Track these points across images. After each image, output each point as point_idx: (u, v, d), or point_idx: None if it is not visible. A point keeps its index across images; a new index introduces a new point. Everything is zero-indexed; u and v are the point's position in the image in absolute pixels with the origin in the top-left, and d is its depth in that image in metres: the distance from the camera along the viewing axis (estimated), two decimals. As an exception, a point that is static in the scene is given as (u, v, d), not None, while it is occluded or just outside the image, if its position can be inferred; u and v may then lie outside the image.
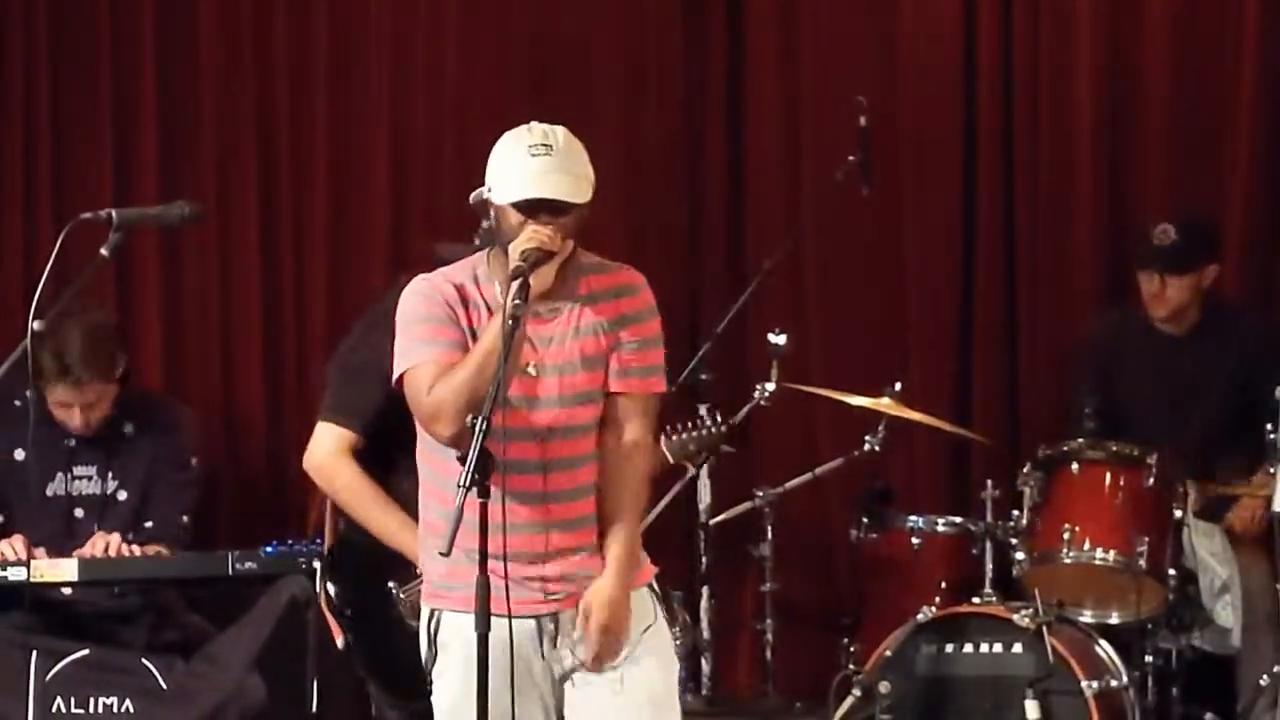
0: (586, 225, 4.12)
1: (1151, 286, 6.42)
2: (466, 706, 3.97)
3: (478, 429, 3.82)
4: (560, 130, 4.12)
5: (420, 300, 4.15)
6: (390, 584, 4.99)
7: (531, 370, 4.10)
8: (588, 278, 4.17)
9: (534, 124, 4.13)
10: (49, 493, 5.76)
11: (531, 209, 4.04)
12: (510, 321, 3.91)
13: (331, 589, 5.12)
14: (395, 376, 4.14)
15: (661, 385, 4.22)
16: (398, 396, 4.39)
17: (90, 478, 5.79)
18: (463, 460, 3.86)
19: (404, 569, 4.94)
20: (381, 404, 4.83)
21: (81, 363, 5.65)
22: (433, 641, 4.18)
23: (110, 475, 5.80)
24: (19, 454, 5.73)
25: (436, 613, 4.18)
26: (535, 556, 4.10)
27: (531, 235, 4.00)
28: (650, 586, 4.23)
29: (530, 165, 4.05)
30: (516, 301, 3.93)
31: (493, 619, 3.97)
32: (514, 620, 4.07)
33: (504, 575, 3.96)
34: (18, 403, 5.68)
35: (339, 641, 5.07)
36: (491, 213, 4.14)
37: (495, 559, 3.97)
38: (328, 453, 5.03)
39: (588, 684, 4.15)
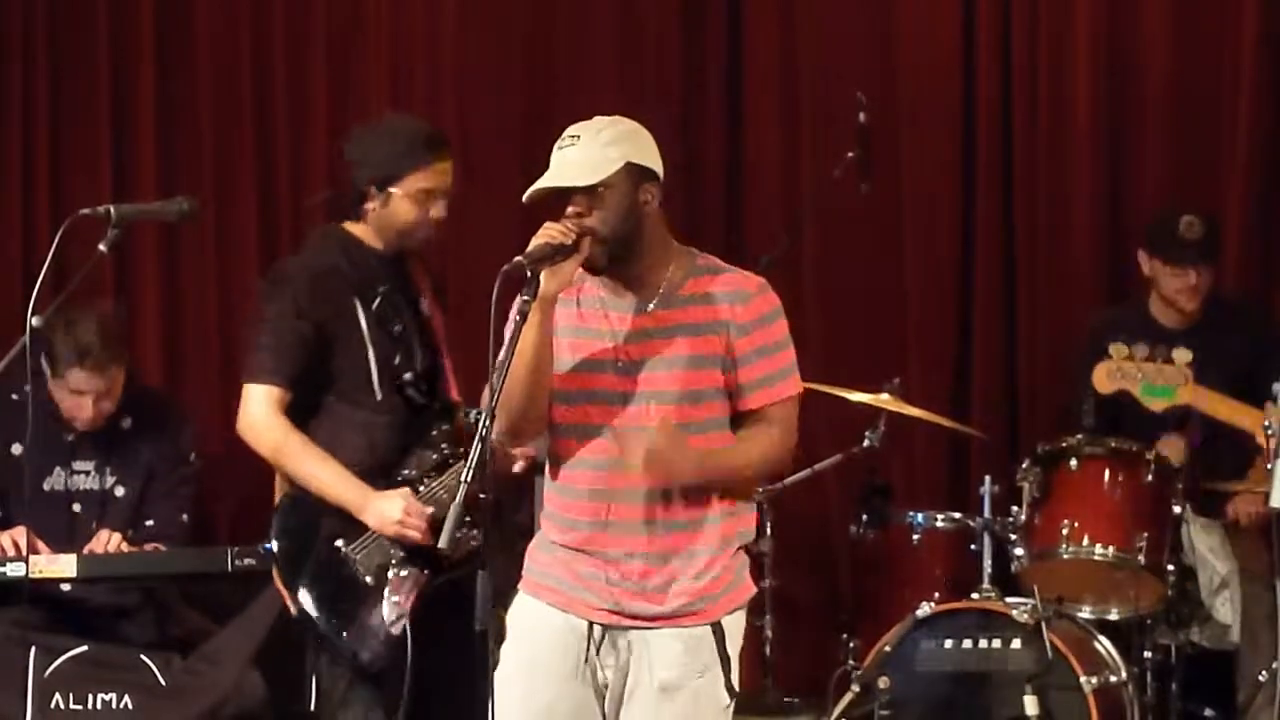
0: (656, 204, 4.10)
1: (1187, 280, 6.40)
2: (516, 680, 4.03)
3: (481, 424, 3.81)
4: (608, 118, 4.08)
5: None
6: (338, 543, 5.01)
7: (619, 365, 4.07)
8: (698, 278, 4.13)
9: (596, 117, 4.10)
10: (47, 488, 5.77)
11: (561, 201, 4.01)
12: (518, 318, 3.90)
13: (278, 549, 5.08)
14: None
15: (789, 389, 4.18)
16: (312, 340, 4.71)
17: (89, 473, 5.80)
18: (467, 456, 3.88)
19: (350, 527, 4.98)
20: (299, 354, 4.93)
21: (102, 346, 5.66)
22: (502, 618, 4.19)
23: (109, 471, 5.80)
24: (16, 449, 5.73)
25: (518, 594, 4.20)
26: (608, 555, 4.08)
27: (541, 232, 3.99)
28: (716, 625, 4.12)
29: (553, 160, 4.04)
30: (525, 298, 3.92)
31: (549, 609, 4.06)
32: (568, 617, 4.11)
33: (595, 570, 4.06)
34: (15, 397, 5.69)
35: (291, 609, 5.05)
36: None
37: (566, 550, 4.07)
38: (261, 413, 5.01)
39: (618, 702, 4.14)
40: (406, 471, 5.06)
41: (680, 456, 4.00)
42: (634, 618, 4.10)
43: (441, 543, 3.89)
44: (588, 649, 4.12)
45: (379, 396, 5.03)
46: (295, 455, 4.99)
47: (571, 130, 4.06)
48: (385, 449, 5.06)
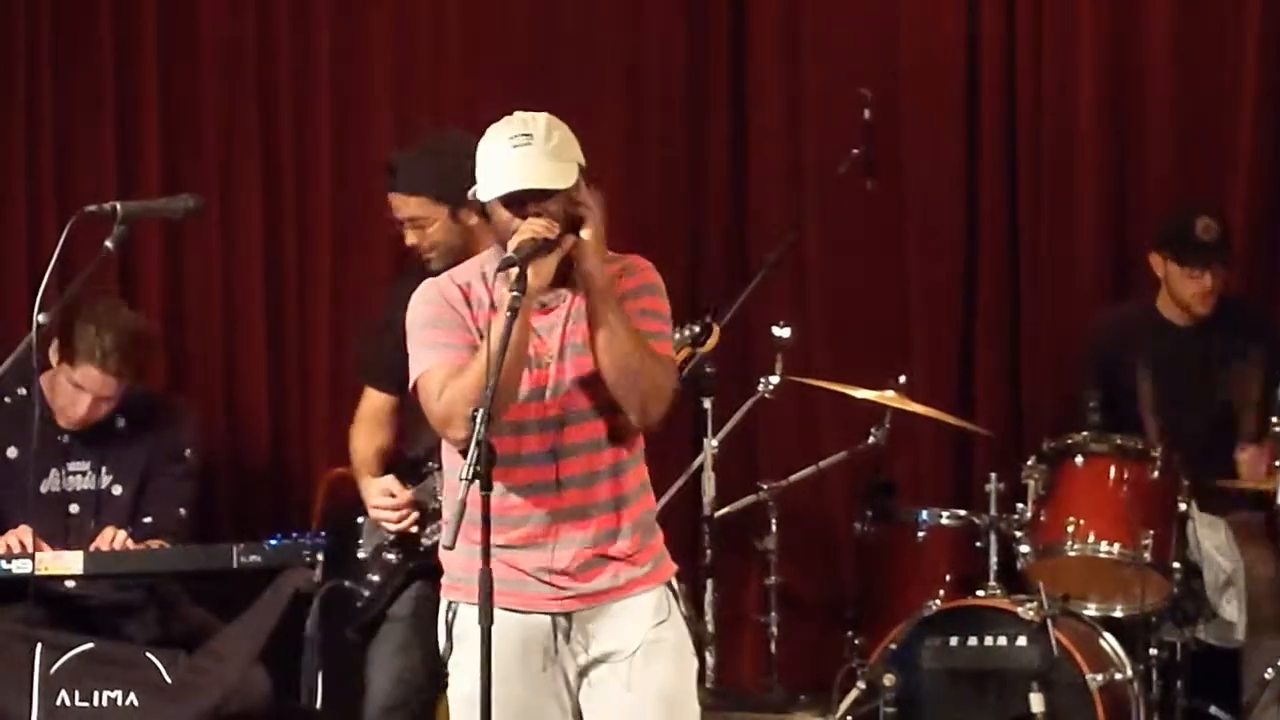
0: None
1: (1203, 283, 6.39)
2: (475, 703, 3.94)
3: (477, 421, 3.81)
4: (542, 117, 4.10)
5: (426, 304, 4.17)
6: (360, 518, 5.35)
7: (542, 362, 4.10)
8: (607, 265, 4.14)
9: (516, 114, 4.12)
10: (43, 489, 5.75)
11: (517, 201, 4.03)
12: (509, 313, 3.90)
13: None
14: (410, 384, 4.16)
15: (669, 351, 4.19)
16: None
17: (84, 473, 5.79)
18: (464, 453, 3.86)
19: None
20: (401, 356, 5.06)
21: (119, 355, 5.64)
22: (449, 633, 4.18)
23: (104, 470, 5.79)
24: (11, 452, 5.72)
25: (454, 605, 4.18)
26: (546, 546, 4.11)
27: (526, 227, 4.00)
28: (669, 584, 4.23)
29: (511, 157, 4.04)
30: (514, 293, 3.92)
31: (505, 613, 3.98)
32: (529, 616, 4.10)
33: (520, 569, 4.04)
34: (8, 400, 5.68)
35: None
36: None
37: (507, 549, 4.03)
38: (358, 415, 5.46)
39: (601, 682, 4.16)
40: (430, 463, 5.16)
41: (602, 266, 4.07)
42: (591, 597, 4.12)
43: (444, 541, 3.90)
44: (555, 640, 4.13)
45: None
46: (354, 466, 5.42)
47: (516, 129, 4.07)
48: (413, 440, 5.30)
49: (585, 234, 4.04)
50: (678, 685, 4.20)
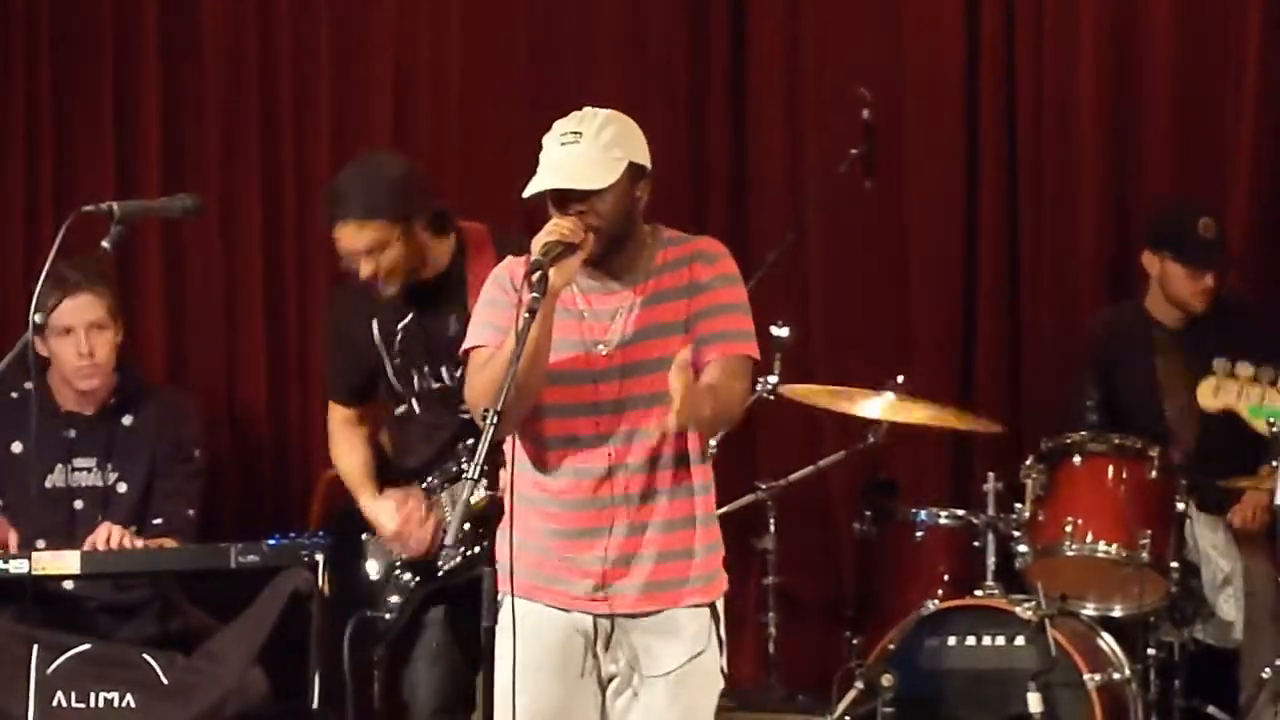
0: (648, 199, 4.15)
1: (1204, 282, 6.39)
2: (521, 685, 3.98)
3: (488, 422, 3.81)
4: (603, 113, 4.11)
5: (491, 282, 4.21)
6: (364, 535, 5.31)
7: (601, 349, 4.11)
8: (665, 250, 4.18)
9: (585, 109, 4.12)
10: (48, 485, 5.76)
11: (559, 199, 4.04)
12: (527, 315, 3.90)
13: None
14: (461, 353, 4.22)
15: (746, 348, 4.16)
16: (363, 355, 5.03)
17: (90, 469, 5.79)
18: (472, 451, 3.88)
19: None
20: (351, 368, 5.31)
21: (81, 273, 5.57)
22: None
23: (110, 467, 5.79)
24: (16, 447, 5.72)
25: (503, 596, 4.16)
26: (601, 532, 4.10)
27: (552, 228, 4.00)
28: (712, 607, 4.22)
29: (555, 156, 4.06)
30: (535, 295, 3.92)
31: (549, 610, 4.06)
32: (571, 615, 4.12)
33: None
34: (14, 394, 5.68)
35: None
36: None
37: (558, 535, 4.08)
38: (330, 433, 5.44)
39: (630, 695, 4.17)
40: (431, 478, 5.18)
41: (698, 393, 4.02)
42: (638, 600, 4.13)
43: (447, 539, 3.91)
44: (595, 644, 4.14)
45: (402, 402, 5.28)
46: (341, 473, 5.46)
47: (569, 125, 4.08)
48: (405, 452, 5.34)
49: (670, 420, 3.99)
50: (704, 712, 4.21)
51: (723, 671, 4.24)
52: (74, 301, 5.63)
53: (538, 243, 3.99)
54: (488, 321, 4.14)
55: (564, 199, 4.03)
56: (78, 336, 5.65)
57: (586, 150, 4.03)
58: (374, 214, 5.06)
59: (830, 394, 6.35)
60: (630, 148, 4.09)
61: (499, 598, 4.06)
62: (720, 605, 4.25)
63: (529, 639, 4.06)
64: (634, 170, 4.09)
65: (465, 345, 4.17)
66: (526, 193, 4.07)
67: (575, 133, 4.05)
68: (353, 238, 5.08)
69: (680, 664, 4.15)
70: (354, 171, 5.25)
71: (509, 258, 4.22)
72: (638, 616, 4.15)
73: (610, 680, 4.18)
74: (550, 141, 4.08)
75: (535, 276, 3.92)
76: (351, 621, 5.18)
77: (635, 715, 4.17)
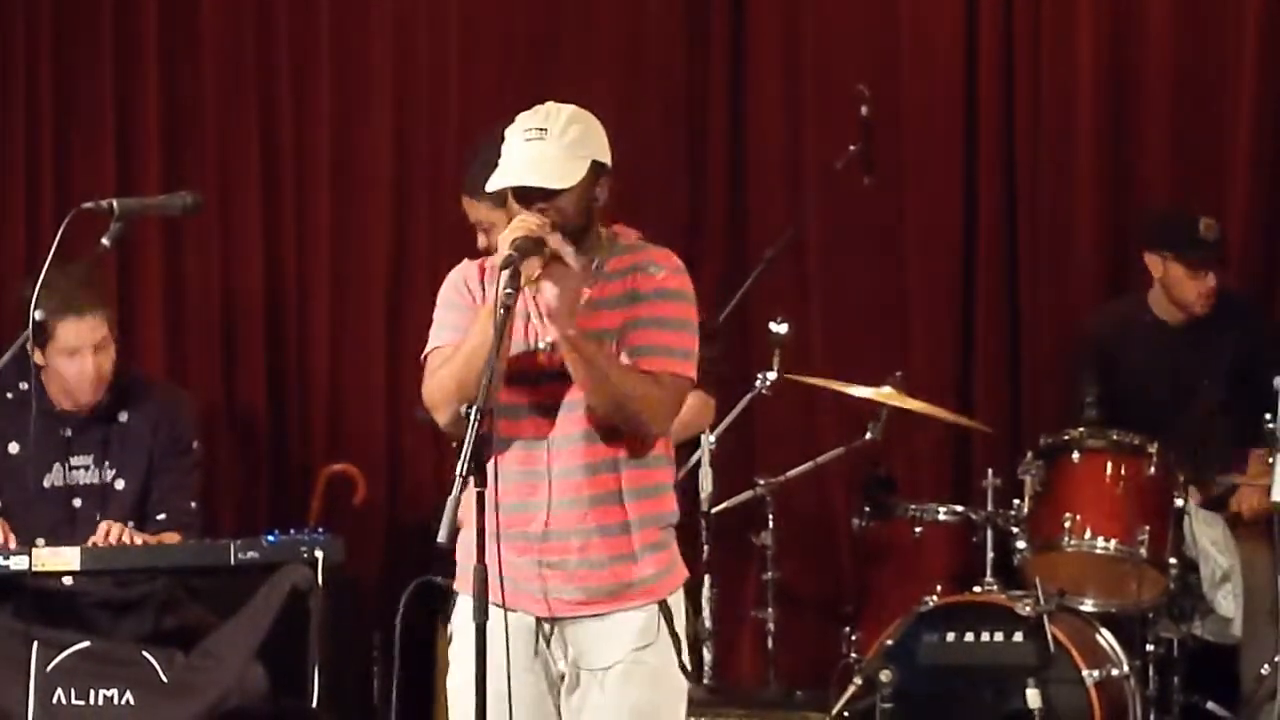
0: (613, 201, 4.12)
1: (1207, 283, 6.40)
2: (468, 693, 3.95)
3: (472, 417, 3.82)
4: (566, 110, 4.09)
5: (448, 284, 4.22)
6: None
7: (542, 345, 4.10)
8: (617, 257, 4.15)
9: (545, 105, 4.11)
10: (46, 484, 5.75)
11: (521, 195, 4.03)
12: (501, 310, 3.90)
13: None
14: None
15: (674, 366, 4.09)
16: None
17: (87, 467, 5.78)
18: (458, 448, 3.87)
19: None
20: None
21: (84, 292, 5.58)
22: (447, 622, 4.21)
23: (108, 464, 5.78)
24: (13, 447, 5.73)
25: (454, 595, 4.18)
26: (535, 537, 4.09)
27: (519, 224, 3.99)
28: (663, 604, 4.16)
29: (521, 151, 4.04)
30: (508, 290, 3.92)
31: (496, 609, 3.96)
32: (513, 615, 4.08)
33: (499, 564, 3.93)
34: (10, 395, 5.68)
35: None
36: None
37: (501, 536, 3.96)
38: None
39: (578, 689, 4.15)
40: None
41: (568, 305, 3.99)
42: (578, 605, 4.11)
43: (441, 536, 3.89)
44: (536, 642, 4.13)
45: None
46: None
47: (534, 121, 4.06)
48: None
49: (548, 291, 3.98)
50: (653, 709, 4.14)
51: (684, 669, 4.17)
52: (81, 324, 5.63)
53: (506, 239, 3.97)
54: (447, 323, 4.15)
55: (526, 195, 4.02)
56: (83, 357, 5.67)
57: (553, 148, 4.02)
58: (477, 194, 4.99)
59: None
60: (593, 146, 4.08)
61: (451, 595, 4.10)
62: (676, 601, 4.17)
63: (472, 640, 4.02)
64: (596, 168, 4.08)
65: (427, 349, 4.16)
66: (490, 186, 4.06)
67: (541, 129, 4.04)
68: (468, 210, 5.10)
69: (619, 659, 4.11)
70: (482, 144, 5.24)
71: (464, 261, 4.24)
72: (578, 618, 4.13)
73: (561, 679, 4.16)
74: (514, 135, 4.06)
75: (509, 272, 3.91)
76: (412, 585, 5.09)
77: (587, 715, 4.14)
